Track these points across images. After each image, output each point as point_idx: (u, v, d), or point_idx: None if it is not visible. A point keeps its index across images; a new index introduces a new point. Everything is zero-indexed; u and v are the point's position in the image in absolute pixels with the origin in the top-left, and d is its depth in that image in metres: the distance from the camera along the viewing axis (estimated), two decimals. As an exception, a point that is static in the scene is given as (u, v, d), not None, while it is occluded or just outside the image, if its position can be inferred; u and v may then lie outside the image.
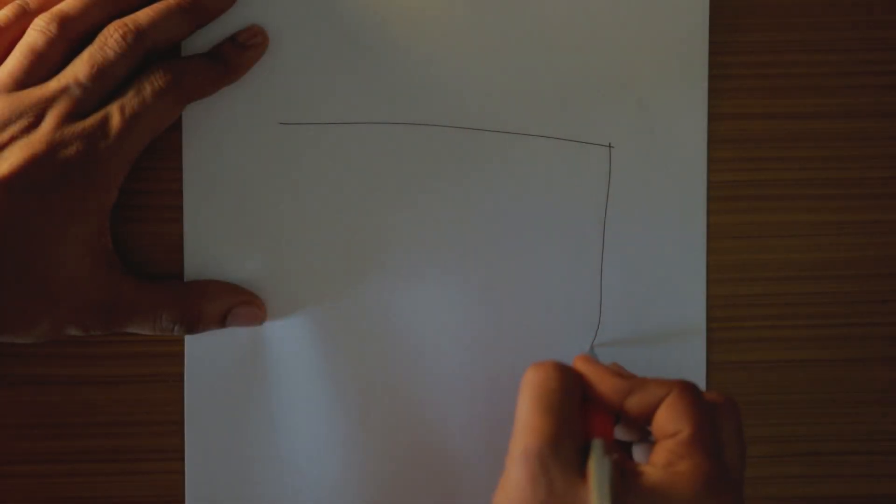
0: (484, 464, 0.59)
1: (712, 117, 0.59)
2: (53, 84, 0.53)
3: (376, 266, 0.58)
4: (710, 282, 0.59)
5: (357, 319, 0.58)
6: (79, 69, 0.53)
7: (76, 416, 0.58)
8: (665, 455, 0.48)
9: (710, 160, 0.59)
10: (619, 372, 0.52)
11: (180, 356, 0.58)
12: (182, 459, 0.58)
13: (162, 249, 0.58)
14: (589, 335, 0.59)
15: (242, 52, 0.56)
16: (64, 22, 0.53)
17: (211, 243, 0.58)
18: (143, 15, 0.54)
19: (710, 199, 0.59)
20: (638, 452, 0.53)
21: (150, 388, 0.59)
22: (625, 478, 0.47)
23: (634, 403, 0.50)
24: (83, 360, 0.58)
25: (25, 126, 0.52)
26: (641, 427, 0.52)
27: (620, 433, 0.53)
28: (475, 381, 0.59)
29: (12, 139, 0.52)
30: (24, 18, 0.54)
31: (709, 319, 0.59)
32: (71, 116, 0.53)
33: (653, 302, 0.59)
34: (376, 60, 0.58)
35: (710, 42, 0.58)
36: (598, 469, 0.47)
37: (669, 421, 0.49)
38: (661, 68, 0.58)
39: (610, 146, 0.59)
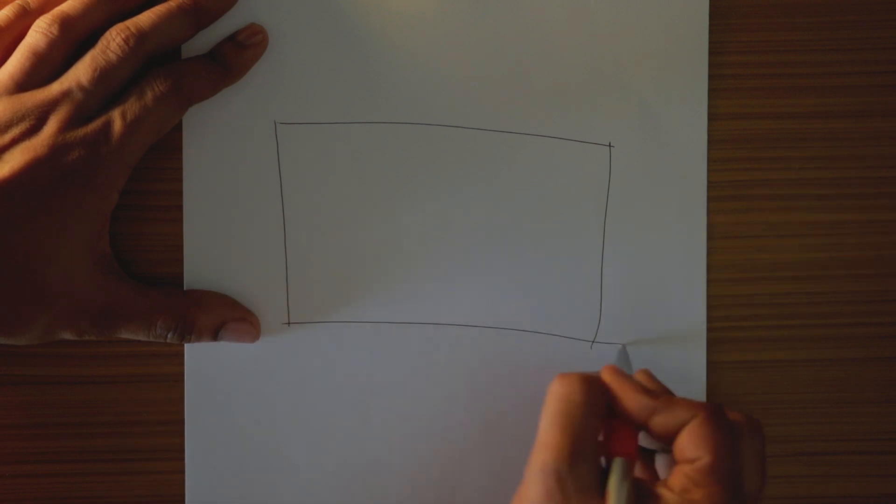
0: (484, 464, 0.59)
1: (712, 117, 0.59)
2: (55, 87, 0.53)
3: (376, 264, 0.58)
4: (710, 282, 0.59)
5: (357, 318, 0.58)
6: (81, 73, 0.53)
7: (76, 416, 0.58)
8: (682, 481, 0.48)
9: (710, 160, 0.59)
10: (646, 385, 0.51)
11: (180, 356, 0.58)
12: (182, 459, 0.58)
13: (162, 250, 0.58)
14: (589, 334, 0.59)
15: (242, 51, 0.56)
16: (65, 24, 0.53)
17: (211, 243, 0.58)
18: (145, 18, 0.54)
19: (710, 198, 0.59)
20: (661, 462, 0.53)
21: (151, 388, 0.59)
22: (641, 499, 0.47)
23: (659, 423, 0.50)
24: (83, 360, 0.58)
25: (27, 129, 0.52)
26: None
27: (646, 441, 0.52)
28: (476, 381, 0.59)
29: (14, 142, 0.52)
30: (24, 19, 0.54)
31: (709, 319, 0.59)
32: (73, 120, 0.53)
33: (653, 302, 0.59)
34: (376, 60, 0.58)
35: (710, 42, 0.58)
36: (616, 493, 0.47)
37: (690, 446, 0.49)
38: (661, 68, 0.58)
39: (610, 146, 0.59)
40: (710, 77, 0.59)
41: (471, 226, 0.58)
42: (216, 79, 0.56)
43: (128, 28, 0.53)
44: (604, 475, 0.48)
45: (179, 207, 0.58)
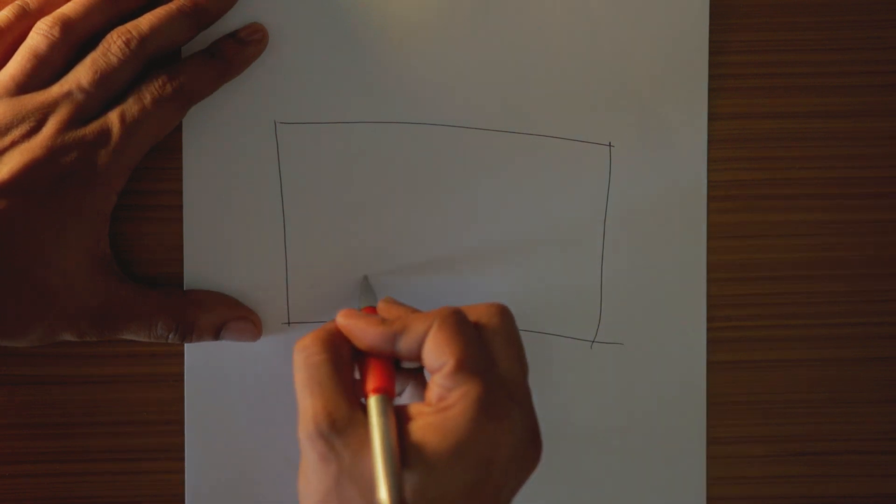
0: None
1: (712, 117, 0.59)
2: (56, 89, 0.53)
3: (376, 263, 0.58)
4: (710, 281, 0.59)
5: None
6: (81, 75, 0.53)
7: (76, 416, 0.58)
8: (436, 390, 0.48)
9: (710, 159, 0.59)
10: (384, 316, 0.51)
11: (180, 356, 0.58)
12: (182, 459, 0.58)
13: (162, 249, 0.58)
14: (589, 334, 0.59)
15: (243, 48, 0.56)
16: (66, 26, 0.53)
17: (211, 243, 0.58)
18: (146, 21, 0.54)
19: (710, 198, 0.59)
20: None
21: (151, 387, 0.59)
22: (402, 427, 0.47)
23: (404, 347, 0.49)
24: (84, 360, 0.58)
25: (27, 131, 0.52)
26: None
27: (410, 363, 0.52)
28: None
29: (13, 144, 0.52)
30: (24, 20, 0.54)
31: (709, 319, 0.59)
32: (72, 122, 0.53)
33: (653, 302, 0.59)
34: (376, 60, 0.58)
35: (711, 41, 0.58)
36: (376, 430, 0.47)
37: (434, 355, 0.48)
38: (661, 68, 0.58)
39: (610, 145, 0.59)
40: (711, 77, 0.58)
41: (471, 225, 0.58)
42: (216, 76, 0.56)
43: (128, 31, 0.53)
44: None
45: (179, 207, 0.57)
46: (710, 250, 0.59)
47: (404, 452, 0.47)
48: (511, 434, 0.48)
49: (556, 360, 0.59)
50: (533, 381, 0.59)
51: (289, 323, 0.58)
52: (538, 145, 0.58)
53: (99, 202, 0.54)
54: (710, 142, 0.59)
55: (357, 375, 0.51)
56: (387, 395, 0.49)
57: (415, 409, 0.48)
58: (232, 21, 0.56)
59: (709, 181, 0.59)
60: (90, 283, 0.54)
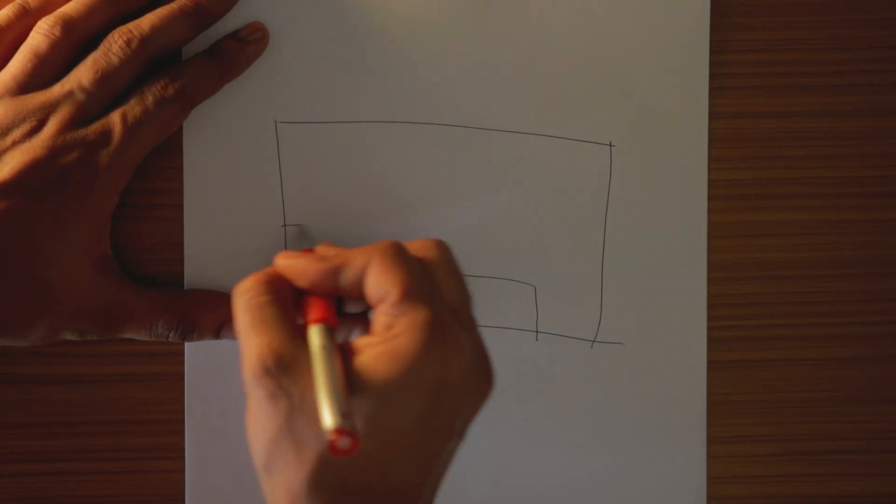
0: (485, 465, 0.59)
1: (713, 116, 0.59)
2: (57, 89, 0.53)
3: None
4: (710, 281, 0.59)
5: (357, 319, 0.58)
6: (83, 74, 0.53)
7: (77, 415, 0.58)
8: (382, 320, 0.48)
9: (711, 159, 0.59)
10: (322, 255, 0.50)
11: (181, 356, 0.58)
12: (182, 459, 0.58)
13: (162, 249, 0.58)
14: (589, 334, 0.59)
15: (244, 47, 0.56)
16: (67, 25, 0.53)
17: (211, 243, 0.58)
18: (147, 21, 0.54)
19: (710, 197, 0.59)
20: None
21: (151, 387, 0.59)
22: (347, 359, 0.47)
23: (345, 282, 0.49)
24: (84, 360, 0.58)
25: (28, 130, 0.52)
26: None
27: (353, 307, 0.51)
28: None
29: (14, 143, 0.52)
30: (24, 19, 0.54)
31: (709, 319, 0.59)
32: (73, 122, 0.53)
33: (653, 302, 0.59)
34: (376, 59, 0.57)
35: (711, 41, 0.58)
36: (316, 360, 0.46)
37: (377, 287, 0.48)
38: (661, 67, 0.58)
39: (611, 145, 0.59)
40: (711, 76, 0.58)
41: (471, 225, 0.58)
42: (217, 76, 0.56)
43: (130, 31, 0.53)
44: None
45: (179, 207, 0.57)
46: (710, 250, 0.59)
47: (352, 381, 0.46)
48: (460, 355, 0.47)
49: (556, 360, 0.59)
50: (533, 380, 0.59)
51: (289, 322, 0.58)
52: (538, 145, 0.58)
53: (100, 202, 0.54)
54: (710, 141, 0.59)
55: (299, 320, 0.50)
56: (328, 325, 0.48)
57: (360, 342, 0.48)
58: (232, 21, 0.56)
59: (709, 180, 0.59)
60: (91, 283, 0.54)
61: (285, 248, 0.58)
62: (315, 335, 0.47)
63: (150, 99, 0.54)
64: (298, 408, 0.46)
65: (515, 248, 0.59)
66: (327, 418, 0.44)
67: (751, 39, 0.59)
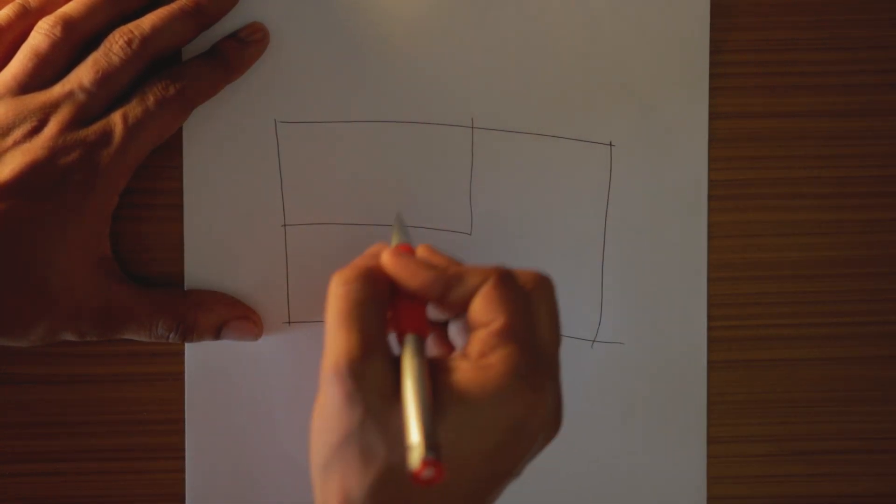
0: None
1: (713, 116, 0.59)
2: (58, 89, 0.53)
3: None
4: (710, 280, 0.59)
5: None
6: (83, 75, 0.53)
7: (77, 415, 0.58)
8: (479, 346, 0.47)
9: (711, 159, 0.59)
10: (430, 261, 0.49)
11: (181, 355, 0.58)
12: (182, 459, 0.58)
13: (162, 249, 0.58)
14: (589, 334, 0.59)
15: (244, 47, 0.56)
16: (68, 25, 0.53)
17: (211, 242, 0.58)
18: (147, 21, 0.54)
19: (710, 197, 0.59)
20: (454, 331, 0.51)
21: (151, 387, 0.59)
22: (437, 376, 0.46)
23: (455, 295, 0.48)
24: (84, 360, 0.58)
25: (28, 131, 0.52)
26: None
27: (434, 313, 0.50)
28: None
29: (15, 144, 0.52)
30: (24, 19, 0.54)
31: (709, 319, 0.59)
32: (74, 122, 0.53)
33: (653, 302, 0.59)
34: (376, 59, 0.57)
35: (711, 40, 0.58)
36: (409, 369, 0.45)
37: (484, 311, 0.47)
38: (661, 67, 0.58)
39: (611, 145, 0.59)
40: (711, 76, 0.58)
41: (471, 225, 0.58)
42: (218, 77, 0.56)
43: (130, 31, 0.53)
44: (398, 367, 0.46)
45: (179, 207, 0.57)
46: (710, 250, 0.59)
47: (440, 398, 0.45)
48: (544, 405, 0.47)
49: (556, 360, 0.59)
50: (533, 380, 0.59)
51: (289, 322, 0.58)
52: (538, 145, 0.58)
53: (100, 203, 0.54)
54: (710, 141, 0.59)
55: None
56: (422, 337, 0.47)
57: (452, 361, 0.47)
58: (232, 21, 0.56)
59: (709, 181, 0.59)
60: (91, 284, 0.54)
61: (285, 249, 0.58)
62: (410, 345, 0.46)
63: (151, 99, 0.54)
64: (374, 416, 0.45)
65: (515, 248, 0.59)
66: (417, 448, 0.43)
67: (751, 39, 0.59)
